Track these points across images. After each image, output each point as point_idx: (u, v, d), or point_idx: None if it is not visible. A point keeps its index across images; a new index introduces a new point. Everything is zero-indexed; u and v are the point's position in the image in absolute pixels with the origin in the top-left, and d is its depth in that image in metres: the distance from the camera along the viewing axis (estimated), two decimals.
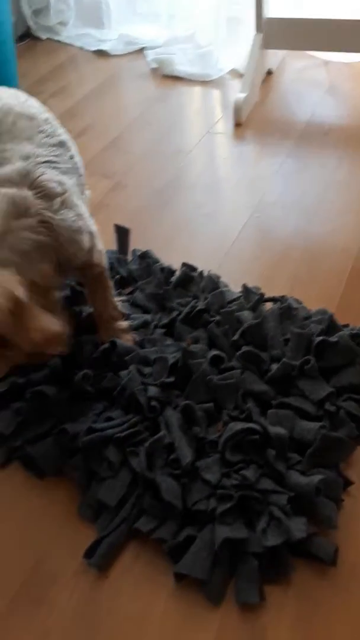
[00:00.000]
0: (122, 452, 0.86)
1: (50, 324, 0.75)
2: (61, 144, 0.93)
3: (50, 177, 0.83)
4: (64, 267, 0.85)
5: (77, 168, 0.98)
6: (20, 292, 0.70)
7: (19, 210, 0.78)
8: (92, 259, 0.94)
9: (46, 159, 0.87)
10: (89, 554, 0.79)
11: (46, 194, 0.81)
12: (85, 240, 0.88)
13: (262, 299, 1.07)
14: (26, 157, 0.84)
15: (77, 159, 0.99)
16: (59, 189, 0.83)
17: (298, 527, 0.75)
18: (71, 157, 0.96)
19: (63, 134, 0.97)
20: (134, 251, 1.27)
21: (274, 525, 0.75)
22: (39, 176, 0.82)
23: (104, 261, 0.99)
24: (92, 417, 0.92)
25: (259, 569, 0.74)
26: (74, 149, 0.99)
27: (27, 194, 0.79)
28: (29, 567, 0.80)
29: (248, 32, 1.83)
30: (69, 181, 0.89)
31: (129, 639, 0.72)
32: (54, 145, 0.91)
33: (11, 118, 0.89)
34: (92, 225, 0.92)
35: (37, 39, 2.36)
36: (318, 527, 0.77)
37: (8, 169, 0.82)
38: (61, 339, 0.77)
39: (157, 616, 0.74)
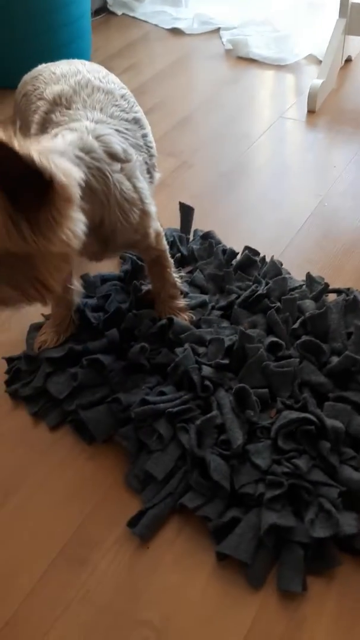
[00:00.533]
0: (172, 427, 0.86)
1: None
2: (135, 121, 0.92)
3: (116, 140, 0.82)
4: (108, 241, 0.83)
5: (149, 148, 0.96)
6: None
7: (83, 146, 0.75)
8: (149, 241, 0.92)
9: (116, 127, 0.85)
10: (133, 523, 0.80)
11: (110, 153, 0.79)
12: (135, 216, 0.84)
13: (326, 290, 1.04)
14: (97, 121, 0.82)
15: (150, 138, 0.97)
16: (122, 155, 0.81)
17: (348, 522, 0.73)
18: (144, 136, 0.94)
19: (139, 112, 0.95)
20: (196, 231, 1.26)
21: (323, 517, 0.74)
22: (106, 134, 0.80)
23: (163, 244, 0.98)
24: (145, 390, 0.92)
25: (303, 559, 0.73)
26: (148, 129, 0.97)
27: (94, 141, 0.77)
28: (73, 529, 0.81)
29: (329, 17, 1.77)
30: (137, 157, 0.87)
31: (166, 611, 0.73)
32: (127, 120, 0.89)
33: (87, 90, 0.88)
34: (149, 205, 0.87)
35: (112, 14, 2.36)
36: None
37: (77, 124, 0.80)
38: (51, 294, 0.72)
39: (197, 592, 0.74)
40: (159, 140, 1.58)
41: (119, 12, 2.36)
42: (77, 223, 0.67)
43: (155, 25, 2.26)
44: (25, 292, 0.69)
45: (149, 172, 0.95)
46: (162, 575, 0.76)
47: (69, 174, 0.65)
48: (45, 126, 0.86)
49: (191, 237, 1.25)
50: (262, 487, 0.78)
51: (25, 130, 0.95)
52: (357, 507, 0.76)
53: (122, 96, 0.92)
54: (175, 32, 2.19)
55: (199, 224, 1.27)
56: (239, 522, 0.76)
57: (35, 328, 1.06)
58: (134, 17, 2.33)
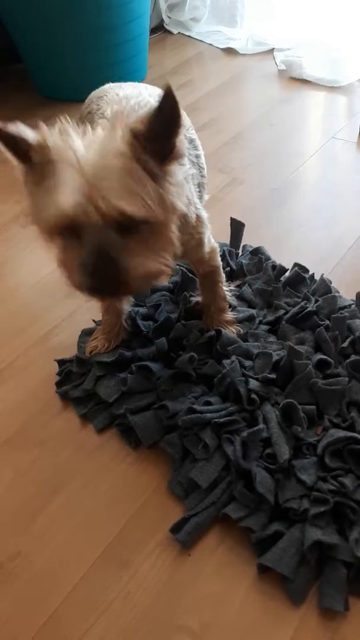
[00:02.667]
0: (218, 437, 0.87)
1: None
2: (190, 140, 0.93)
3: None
4: None
5: (201, 169, 0.98)
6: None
7: None
8: (202, 252, 0.94)
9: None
10: (176, 529, 0.81)
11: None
12: (192, 215, 0.84)
13: None
14: None
15: (203, 160, 0.99)
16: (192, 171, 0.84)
17: None
18: (197, 157, 0.96)
19: (194, 135, 0.97)
20: (245, 246, 1.28)
21: None
22: None
23: (218, 260, 0.99)
24: (191, 399, 0.94)
25: (346, 578, 0.72)
26: (201, 152, 0.99)
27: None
28: (116, 530, 0.83)
29: None
30: (190, 167, 0.88)
31: (206, 618, 0.73)
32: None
33: (146, 109, 0.90)
34: (202, 210, 0.90)
35: (168, 32, 2.43)
36: None
37: None
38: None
39: (236, 602, 0.75)
40: (211, 155, 1.62)
41: (175, 31, 2.42)
42: (184, 193, 0.69)
43: (210, 44, 2.31)
44: (160, 262, 0.69)
45: (200, 187, 0.97)
46: (203, 583, 0.77)
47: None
48: None
49: (240, 252, 1.27)
50: (307, 503, 0.78)
51: None
52: None
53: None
54: (230, 51, 2.23)
55: (249, 239, 1.28)
56: (282, 536, 0.76)
57: (87, 333, 1.09)
58: (189, 36, 2.39)
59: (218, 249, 0.99)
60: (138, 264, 0.65)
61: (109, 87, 1.03)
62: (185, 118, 0.96)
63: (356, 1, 2.01)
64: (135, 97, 0.93)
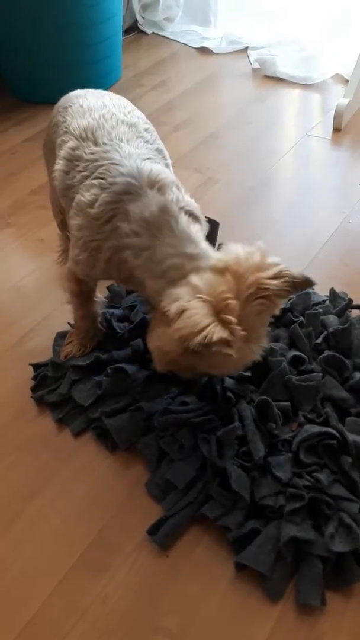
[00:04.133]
0: (194, 437, 0.87)
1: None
2: (159, 151, 0.93)
3: (158, 168, 0.83)
4: None
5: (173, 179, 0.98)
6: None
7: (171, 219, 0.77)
8: None
9: (147, 156, 0.86)
10: (153, 531, 0.80)
11: (163, 185, 0.80)
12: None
13: (350, 305, 1.05)
14: (128, 156, 0.84)
15: (171, 170, 0.98)
16: (171, 177, 0.84)
17: None
18: (166, 165, 0.95)
19: (161, 145, 0.96)
20: (220, 245, 1.27)
21: (343, 531, 0.74)
22: (150, 171, 0.81)
23: None
24: (167, 400, 0.94)
25: (323, 573, 0.73)
26: (169, 161, 0.98)
27: (164, 197, 0.79)
28: (93, 534, 0.83)
29: (356, 37, 1.80)
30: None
31: (184, 619, 0.73)
32: (152, 150, 0.90)
33: (112, 122, 0.90)
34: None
35: (142, 32, 2.42)
36: None
37: (119, 170, 0.81)
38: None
39: (214, 601, 0.75)
40: (186, 155, 1.62)
41: (149, 31, 2.42)
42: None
43: (184, 44, 2.31)
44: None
45: None
46: (181, 584, 0.77)
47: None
48: (74, 163, 0.87)
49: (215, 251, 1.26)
50: (283, 499, 0.78)
51: (51, 159, 0.98)
52: None
53: (146, 130, 0.93)
54: (204, 51, 2.24)
55: (224, 238, 1.28)
56: (258, 533, 0.77)
57: (62, 336, 1.09)
58: (163, 36, 2.38)
59: None
60: None
61: (74, 95, 1.02)
62: (151, 129, 0.95)
63: None
64: (99, 109, 0.93)
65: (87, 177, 0.84)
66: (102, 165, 0.83)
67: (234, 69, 2.10)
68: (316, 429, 0.84)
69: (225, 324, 0.69)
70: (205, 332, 0.67)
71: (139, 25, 2.44)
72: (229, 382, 0.93)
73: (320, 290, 1.12)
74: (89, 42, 1.90)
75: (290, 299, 1.07)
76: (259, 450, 0.82)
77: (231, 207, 1.42)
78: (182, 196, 0.82)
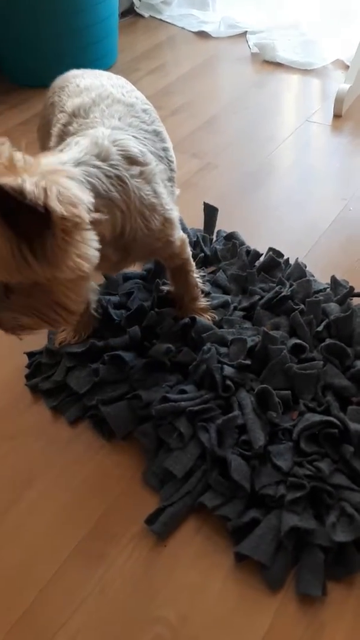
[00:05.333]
0: (192, 425, 0.86)
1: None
2: (156, 133, 0.90)
3: (134, 144, 0.80)
4: (129, 250, 0.81)
5: (170, 162, 0.94)
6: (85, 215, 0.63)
7: (99, 152, 0.74)
8: (172, 249, 0.90)
9: (134, 134, 0.83)
10: (151, 520, 0.79)
11: (127, 157, 0.77)
12: (156, 222, 0.82)
13: (351, 293, 1.03)
14: (113, 127, 0.81)
15: (171, 153, 0.95)
16: (140, 158, 0.79)
17: None
18: (164, 149, 0.92)
19: (161, 127, 0.93)
20: (219, 232, 1.26)
21: (345, 521, 0.73)
22: (122, 139, 0.78)
23: (187, 251, 0.96)
24: (165, 388, 0.92)
25: (323, 563, 0.72)
26: (169, 144, 0.94)
27: (111, 146, 0.76)
28: (91, 523, 0.81)
29: (357, 22, 1.77)
30: (157, 164, 0.84)
31: (182, 609, 0.72)
32: (147, 131, 0.87)
33: (108, 101, 0.87)
34: (171, 211, 0.85)
35: (139, 16, 2.38)
36: None
37: (91, 131, 0.79)
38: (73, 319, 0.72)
39: (214, 592, 0.73)
40: (184, 140, 1.59)
41: (146, 15, 2.37)
42: (87, 247, 0.66)
43: (182, 28, 2.27)
44: (47, 317, 0.69)
45: (170, 181, 0.92)
46: (179, 574, 0.76)
47: (76, 201, 0.62)
48: (63, 138, 0.84)
49: (214, 237, 1.25)
50: (283, 488, 0.77)
51: (46, 141, 0.96)
52: None
53: (144, 110, 0.90)
54: (202, 35, 2.20)
55: (223, 224, 1.26)
56: (258, 523, 0.75)
57: None
58: (160, 20, 2.34)
59: (187, 240, 0.96)
60: (10, 317, 0.69)
61: (72, 75, 0.99)
62: (150, 110, 0.92)
63: None
64: (96, 89, 0.90)
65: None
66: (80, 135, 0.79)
67: (232, 53, 2.06)
68: (317, 417, 0.83)
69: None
70: None
71: (135, 8, 2.39)
72: (228, 370, 0.91)
73: (321, 278, 1.10)
74: (84, 24, 1.85)
75: (291, 286, 1.06)
76: (259, 439, 0.81)
77: (230, 192, 1.39)
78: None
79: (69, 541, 0.80)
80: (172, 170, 0.95)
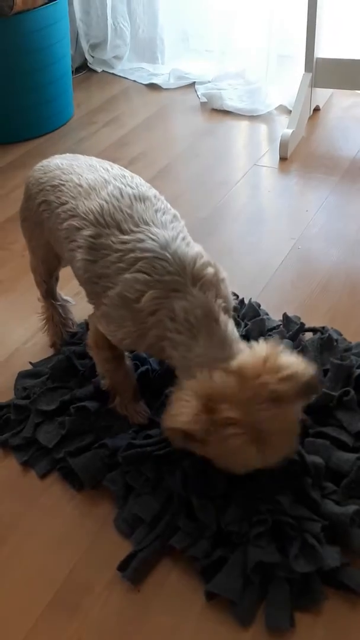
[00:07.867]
0: (159, 469, 0.89)
1: None
2: (175, 217, 0.89)
3: (195, 255, 0.82)
4: None
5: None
6: None
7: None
8: None
9: (179, 236, 0.84)
10: (123, 567, 0.81)
11: (205, 283, 0.80)
12: None
13: (302, 329, 1.09)
14: (165, 245, 0.81)
15: (180, 220, 0.93)
16: (210, 269, 0.82)
17: (331, 556, 0.75)
18: (184, 227, 0.90)
19: (171, 208, 0.92)
20: None
21: (307, 552, 0.76)
22: (193, 265, 0.81)
23: None
24: (131, 434, 0.95)
25: (290, 595, 0.74)
26: (182, 222, 0.91)
27: (207, 299, 0.79)
28: (64, 575, 0.83)
29: (298, 69, 1.89)
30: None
31: None
32: (171, 221, 0.87)
33: (125, 201, 0.86)
34: None
35: (92, 71, 2.49)
36: (351, 557, 0.78)
37: (164, 267, 0.80)
38: None
39: (187, 633, 0.75)
40: None
41: (99, 70, 2.49)
42: None
43: (134, 81, 2.38)
44: None
45: None
46: (153, 618, 0.77)
47: None
48: (101, 252, 0.84)
49: None
50: (247, 525, 0.80)
51: (35, 233, 1.01)
52: (340, 541, 0.78)
53: (155, 196, 0.90)
54: (153, 87, 2.31)
55: None
56: (226, 560, 0.78)
57: (23, 376, 1.09)
58: (113, 74, 2.45)
59: None
60: None
61: (58, 170, 0.96)
62: (157, 194, 0.91)
63: (268, 33, 2.12)
64: (102, 187, 0.88)
65: (125, 270, 0.82)
66: (142, 259, 0.81)
67: (183, 103, 2.17)
68: None
69: (212, 422, 0.71)
70: (173, 421, 0.72)
71: (88, 64, 2.50)
72: None
73: (274, 315, 1.16)
74: (40, 84, 1.94)
75: (246, 325, 1.11)
76: (221, 480, 0.84)
77: None
78: (220, 290, 0.83)
79: (43, 595, 0.81)
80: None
